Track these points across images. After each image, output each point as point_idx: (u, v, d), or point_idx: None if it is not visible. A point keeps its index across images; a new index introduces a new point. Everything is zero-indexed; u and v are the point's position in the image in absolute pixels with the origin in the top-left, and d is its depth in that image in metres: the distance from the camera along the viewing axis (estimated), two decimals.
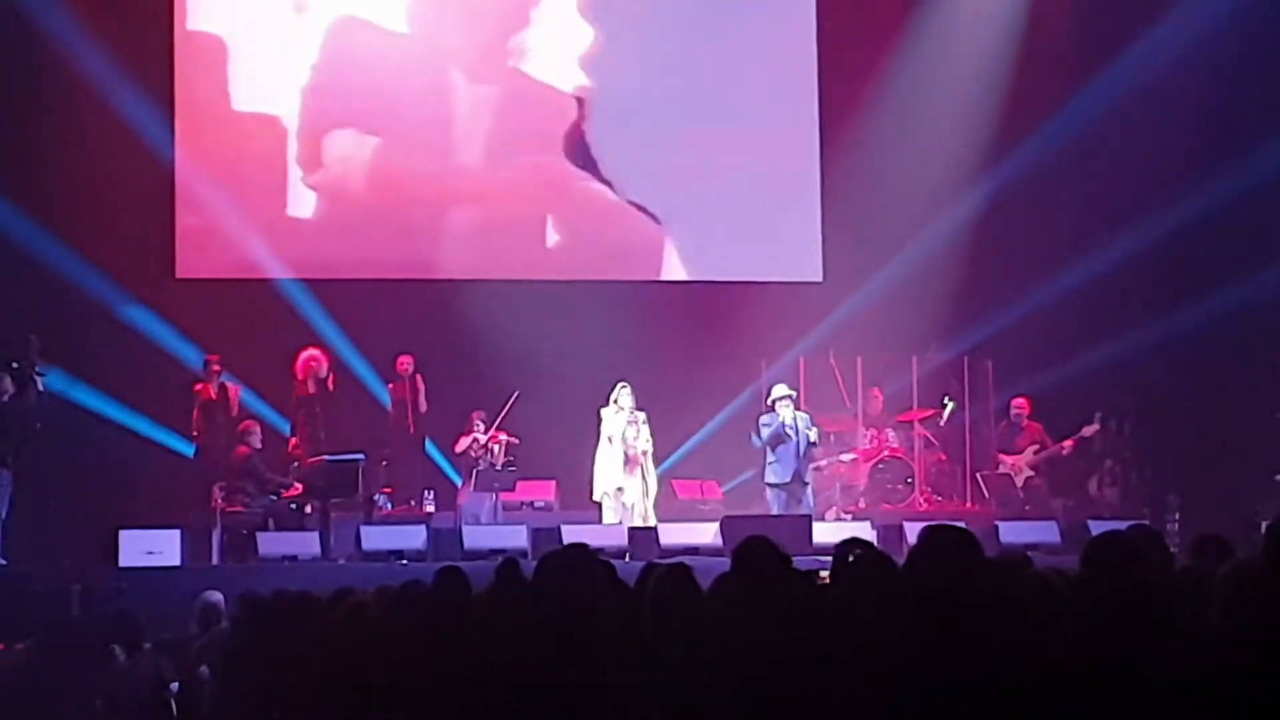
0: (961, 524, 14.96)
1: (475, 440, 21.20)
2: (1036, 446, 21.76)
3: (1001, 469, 21.94)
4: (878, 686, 5.31)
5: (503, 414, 21.29)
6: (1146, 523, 17.16)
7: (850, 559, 6.55)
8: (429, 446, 21.79)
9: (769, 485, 20.11)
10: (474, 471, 20.95)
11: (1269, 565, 4.70)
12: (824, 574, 7.20)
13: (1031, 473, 21.72)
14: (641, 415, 20.30)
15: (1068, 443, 21.61)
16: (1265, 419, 21.26)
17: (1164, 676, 4.80)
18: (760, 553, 6.30)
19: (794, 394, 20.44)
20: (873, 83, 23.84)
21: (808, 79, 24.27)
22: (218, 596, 13.43)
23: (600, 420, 20.29)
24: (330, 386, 20.87)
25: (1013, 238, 23.50)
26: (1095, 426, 21.72)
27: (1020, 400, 21.99)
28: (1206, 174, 21.95)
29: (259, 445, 19.99)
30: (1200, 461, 21.69)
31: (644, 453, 20.26)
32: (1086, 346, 22.23)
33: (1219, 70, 22.11)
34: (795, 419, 20.04)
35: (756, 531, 6.94)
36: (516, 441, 21.28)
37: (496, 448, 21.14)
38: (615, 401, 20.26)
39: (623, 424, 20.18)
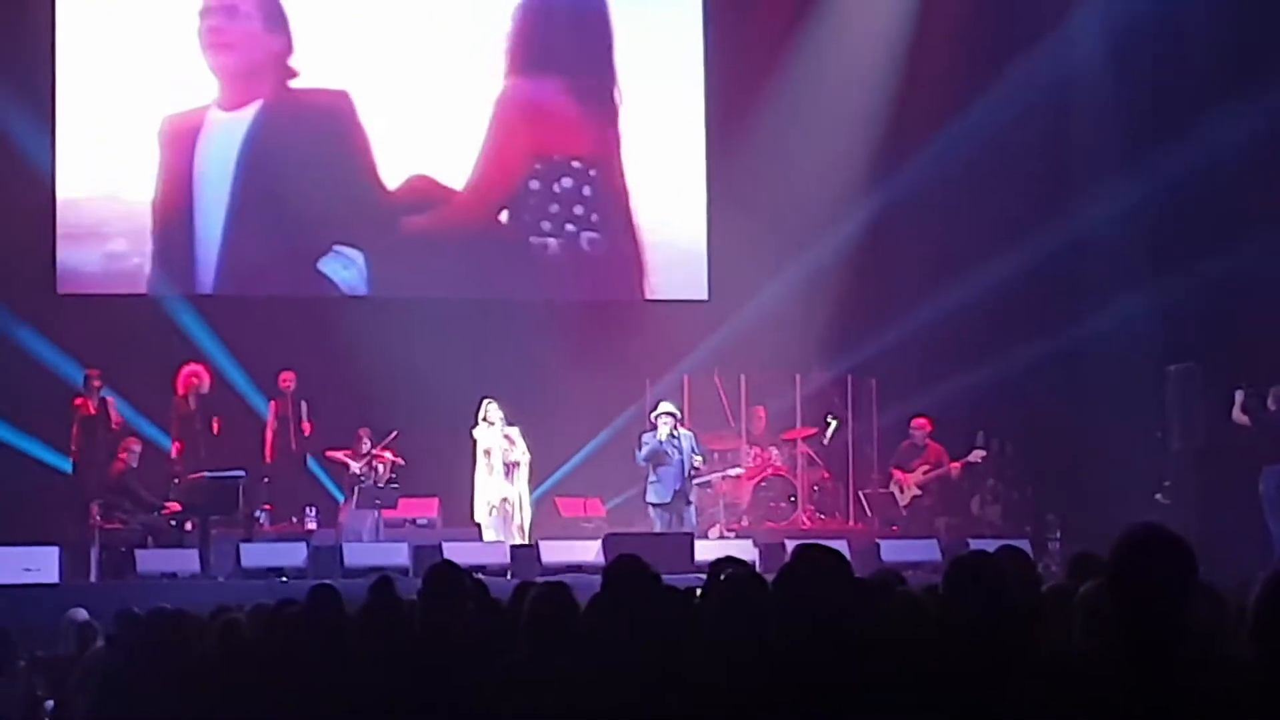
0: (843, 542, 15.04)
1: (351, 458, 21.08)
2: (928, 467, 21.84)
3: (890, 488, 22.02)
4: (745, 704, 5.30)
5: (385, 443, 21.19)
6: (1027, 541, 17.41)
7: (722, 577, 6.55)
8: (311, 463, 21.66)
9: (650, 504, 20.11)
10: (356, 489, 20.85)
11: (1115, 584, 4.73)
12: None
13: (919, 492, 21.80)
14: (515, 429, 20.30)
15: (956, 465, 21.70)
16: (1145, 438, 21.45)
17: (1020, 695, 4.83)
18: (630, 571, 6.30)
19: (676, 412, 20.43)
20: (758, 101, 23.94)
21: (693, 98, 24.34)
22: (85, 614, 13.29)
23: (474, 440, 20.26)
24: (211, 402, 20.69)
25: (896, 257, 23.65)
26: (983, 452, 21.84)
27: (920, 420, 22.02)
28: (1087, 195, 22.19)
29: (136, 463, 19.81)
30: (1082, 480, 21.87)
31: (517, 463, 20.24)
32: (969, 365, 22.37)
33: (1100, 92, 22.33)
34: (679, 437, 20.05)
35: (638, 549, 6.95)
36: (403, 462, 21.19)
37: (381, 467, 21.05)
38: (484, 418, 20.27)
39: (497, 436, 20.18)
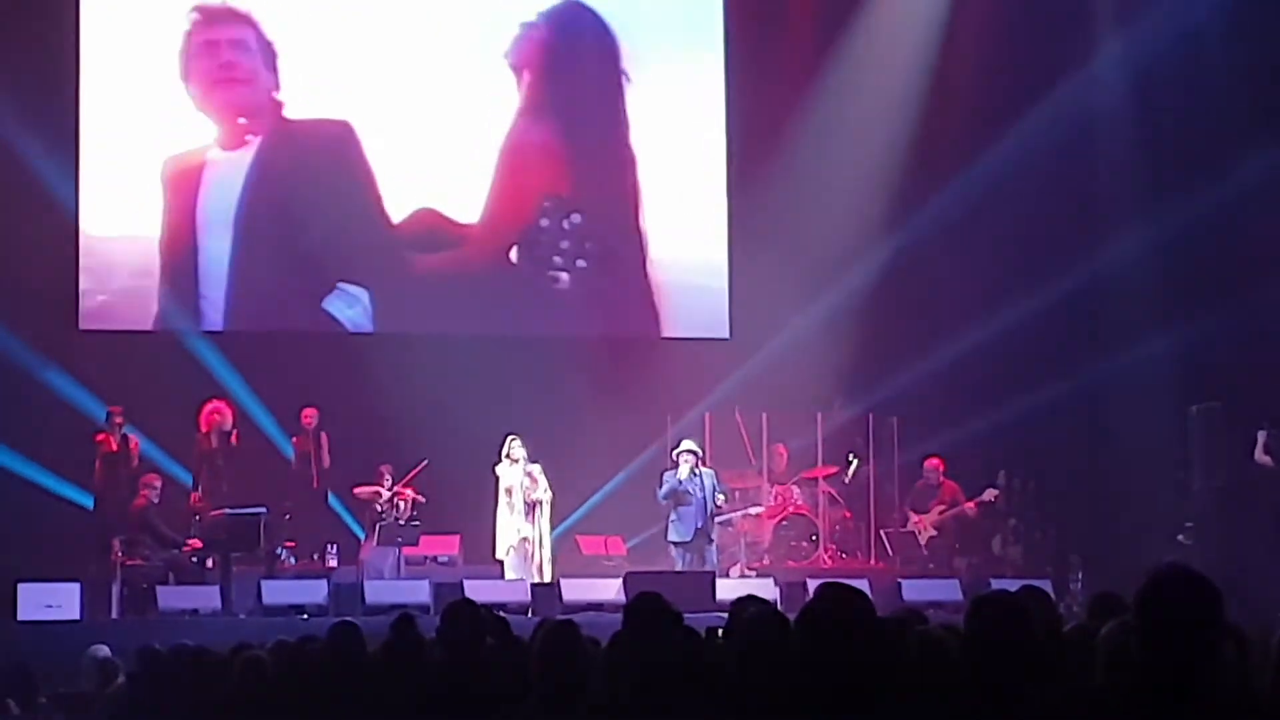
0: (864, 581, 15.02)
1: (379, 493, 21.10)
2: (943, 506, 21.83)
3: (907, 527, 22.00)
4: None
5: (410, 476, 21.21)
6: (1048, 581, 17.38)
7: (744, 616, 6.54)
8: (332, 500, 21.66)
9: (671, 543, 20.11)
10: (377, 526, 20.84)
11: (1141, 624, 4.72)
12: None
13: (935, 532, 21.78)
14: (537, 466, 20.29)
15: (970, 505, 21.69)
16: (1167, 478, 21.42)
17: None
18: (651, 609, 6.28)
19: (698, 450, 20.45)
20: (780, 138, 23.96)
21: (716, 135, 24.38)
22: (106, 650, 13.31)
23: (497, 477, 20.26)
24: (234, 439, 20.74)
25: (917, 296, 23.66)
26: (997, 491, 21.81)
27: (934, 460, 22.06)
28: (1109, 234, 22.18)
29: (157, 499, 19.84)
30: (1104, 520, 21.83)
31: (539, 502, 20.23)
32: (992, 404, 22.35)
33: (1123, 131, 22.33)
34: (700, 475, 20.05)
35: (659, 588, 6.94)
36: (424, 500, 21.19)
37: (403, 504, 21.05)
38: (508, 455, 20.27)
39: (519, 474, 20.17)
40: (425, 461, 21.26)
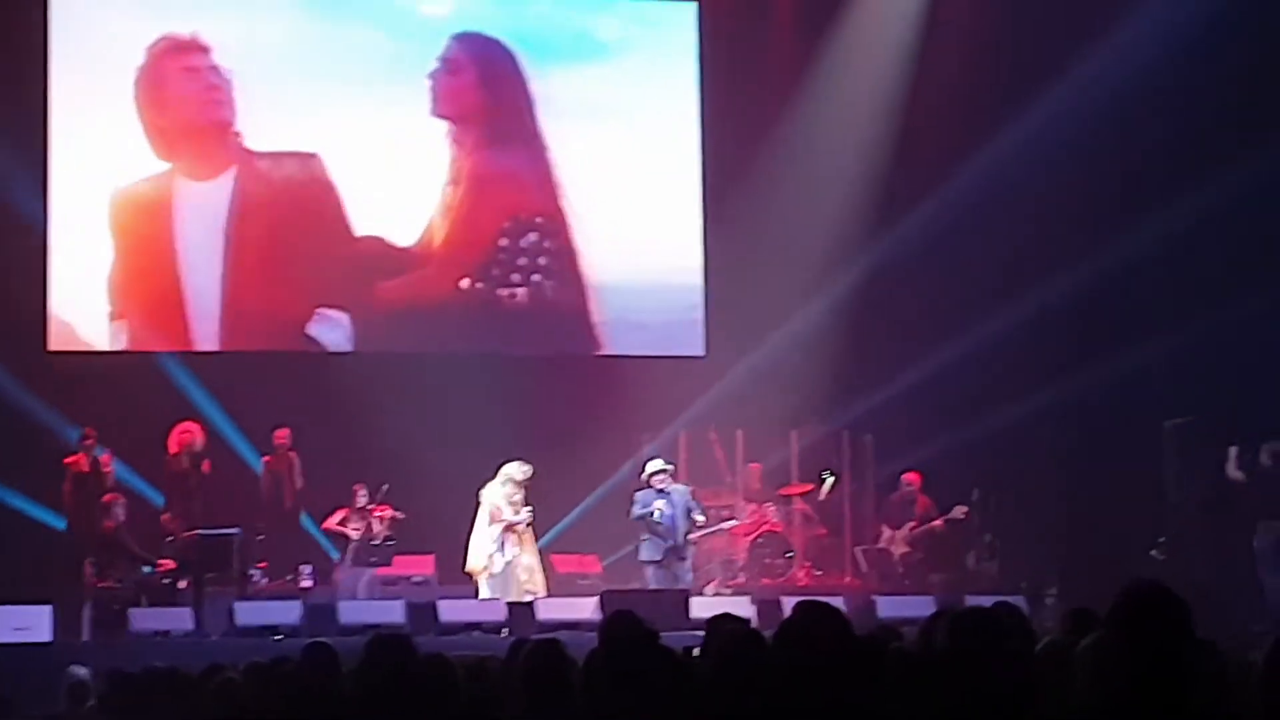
0: (840, 598, 14.99)
1: (347, 518, 21.00)
2: (914, 523, 21.87)
3: (880, 543, 22.02)
4: None
5: (379, 497, 21.13)
6: (1023, 597, 17.39)
7: (720, 634, 6.52)
8: (305, 521, 21.60)
9: (643, 562, 20.05)
10: (351, 546, 20.77)
11: (1113, 640, 4.72)
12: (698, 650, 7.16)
13: (908, 548, 21.81)
14: (520, 490, 20.18)
15: (938, 521, 21.74)
16: (1142, 493, 21.45)
17: None
18: (627, 628, 6.26)
19: (670, 467, 20.42)
20: (755, 157, 23.99)
21: (690, 152, 24.38)
22: (84, 672, 13.22)
23: (479, 498, 20.14)
24: (204, 460, 20.66)
25: (891, 314, 23.69)
26: (965, 509, 21.84)
27: (911, 475, 22.11)
28: (1087, 248, 22.19)
29: (124, 518, 19.76)
30: (1079, 535, 21.85)
31: (522, 523, 20.10)
32: (965, 421, 22.38)
33: (1103, 145, 22.34)
34: (671, 492, 19.93)
35: (635, 606, 6.93)
36: (401, 516, 21.10)
37: (378, 523, 20.96)
38: (512, 479, 19.96)
39: (504, 494, 19.96)
40: (386, 485, 21.19)
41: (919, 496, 22.03)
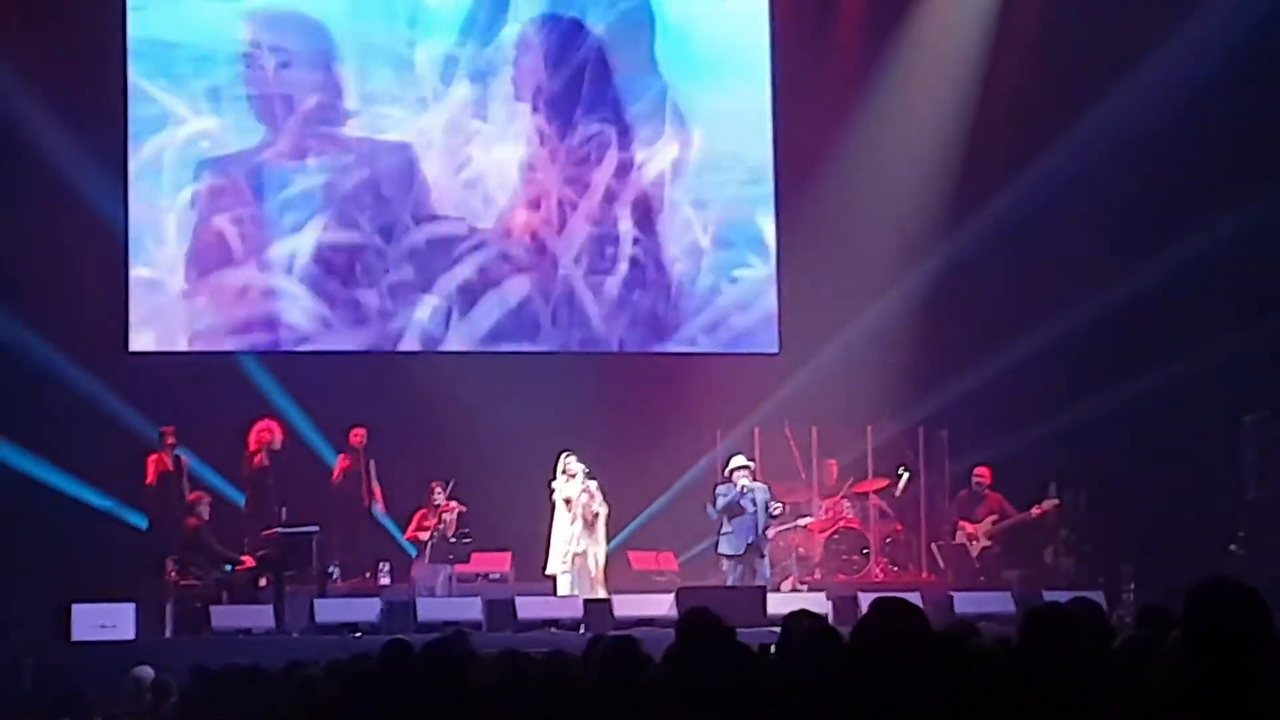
0: (916, 594, 14.99)
1: (425, 514, 21.07)
2: (995, 517, 21.80)
3: (958, 539, 21.95)
4: None
5: (447, 492, 21.17)
6: (1100, 593, 17.32)
7: (797, 631, 6.54)
8: (383, 518, 21.68)
9: (723, 556, 20.11)
10: (428, 543, 20.85)
11: (1189, 636, 4.72)
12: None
13: (989, 543, 21.75)
14: (594, 482, 20.29)
15: (1034, 511, 21.68)
16: (1220, 488, 21.33)
17: None
18: (704, 624, 6.28)
19: (751, 465, 20.49)
20: (828, 154, 23.94)
21: (763, 150, 24.36)
22: (150, 671, 13.36)
23: (551, 492, 20.26)
24: (281, 459, 20.75)
25: (966, 308, 23.60)
26: (1053, 502, 21.76)
27: (982, 469, 22.06)
28: (1162, 241, 22.08)
29: (208, 516, 19.91)
30: (1157, 531, 21.72)
31: (597, 515, 20.23)
32: (1042, 415, 22.29)
33: (1177, 139, 22.21)
34: (753, 490, 20.05)
35: (711, 603, 6.95)
36: (465, 510, 21.10)
37: (448, 518, 21.00)
38: (564, 471, 20.27)
39: (577, 489, 20.17)
40: (453, 481, 21.23)
41: (989, 492, 21.98)
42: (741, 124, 24.48)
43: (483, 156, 23.70)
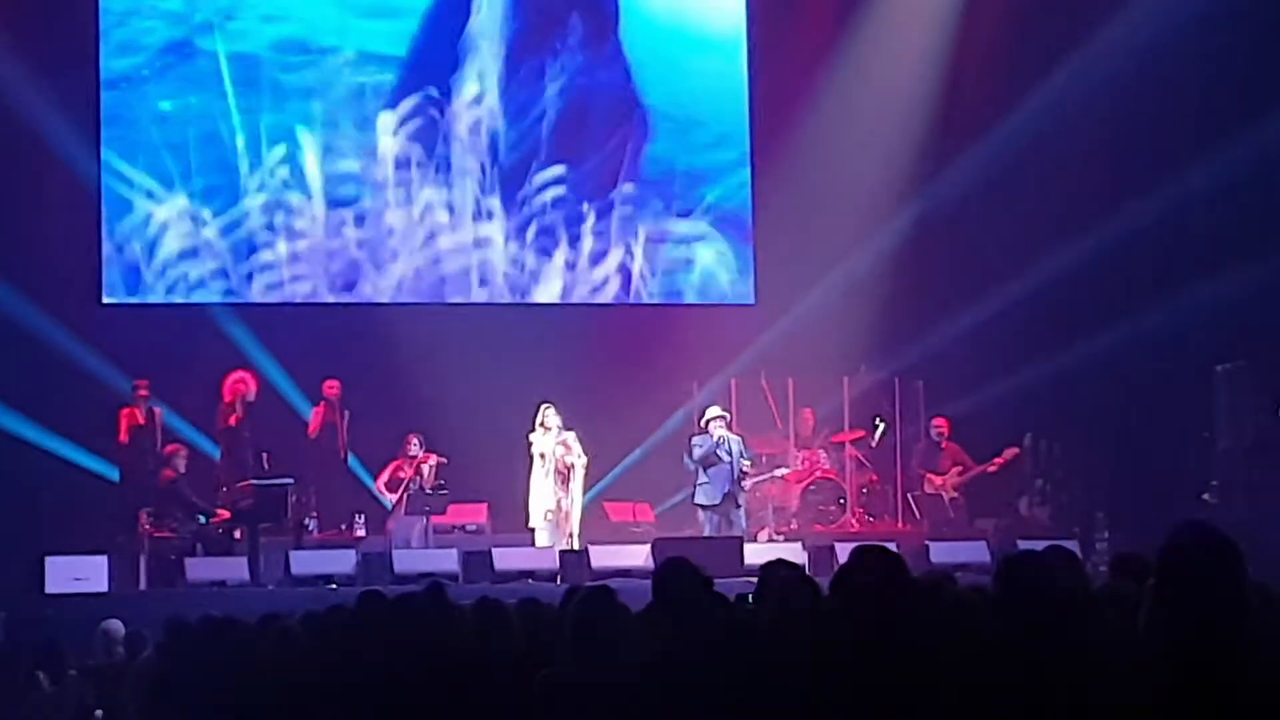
0: (892, 544, 15.04)
1: (401, 465, 21.02)
2: (960, 468, 21.87)
3: (926, 488, 22.02)
4: (799, 708, 5.29)
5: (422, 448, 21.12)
6: (1075, 542, 17.37)
7: (774, 580, 6.54)
8: (358, 469, 21.63)
9: (699, 506, 20.12)
10: (404, 495, 20.81)
11: (1163, 583, 4.73)
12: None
13: (955, 494, 21.82)
14: (571, 434, 20.25)
15: (994, 463, 21.76)
16: (1193, 437, 21.39)
17: (1074, 691, 4.82)
18: (679, 575, 6.28)
19: (727, 415, 20.48)
20: (803, 106, 23.89)
21: (738, 103, 24.30)
22: (119, 625, 13.36)
23: (530, 445, 20.23)
24: (255, 410, 20.67)
25: (942, 259, 23.63)
26: (1015, 450, 21.85)
27: (940, 420, 22.18)
28: (1135, 192, 22.08)
29: (185, 469, 19.84)
30: (1131, 480, 21.79)
31: (573, 467, 20.19)
32: (1017, 366, 22.35)
33: (1143, 95, 22.21)
34: (728, 440, 20.06)
35: (688, 553, 6.93)
36: (445, 461, 21.06)
37: (426, 469, 20.94)
38: (541, 424, 20.22)
39: (552, 442, 20.13)
40: (420, 436, 21.15)
41: (946, 444, 22.04)
42: (716, 78, 24.39)
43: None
